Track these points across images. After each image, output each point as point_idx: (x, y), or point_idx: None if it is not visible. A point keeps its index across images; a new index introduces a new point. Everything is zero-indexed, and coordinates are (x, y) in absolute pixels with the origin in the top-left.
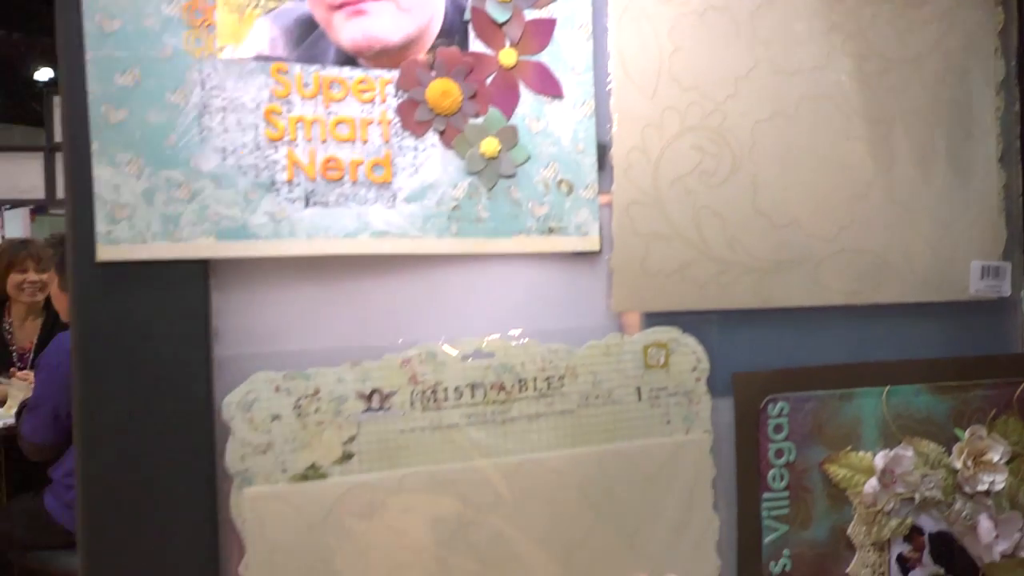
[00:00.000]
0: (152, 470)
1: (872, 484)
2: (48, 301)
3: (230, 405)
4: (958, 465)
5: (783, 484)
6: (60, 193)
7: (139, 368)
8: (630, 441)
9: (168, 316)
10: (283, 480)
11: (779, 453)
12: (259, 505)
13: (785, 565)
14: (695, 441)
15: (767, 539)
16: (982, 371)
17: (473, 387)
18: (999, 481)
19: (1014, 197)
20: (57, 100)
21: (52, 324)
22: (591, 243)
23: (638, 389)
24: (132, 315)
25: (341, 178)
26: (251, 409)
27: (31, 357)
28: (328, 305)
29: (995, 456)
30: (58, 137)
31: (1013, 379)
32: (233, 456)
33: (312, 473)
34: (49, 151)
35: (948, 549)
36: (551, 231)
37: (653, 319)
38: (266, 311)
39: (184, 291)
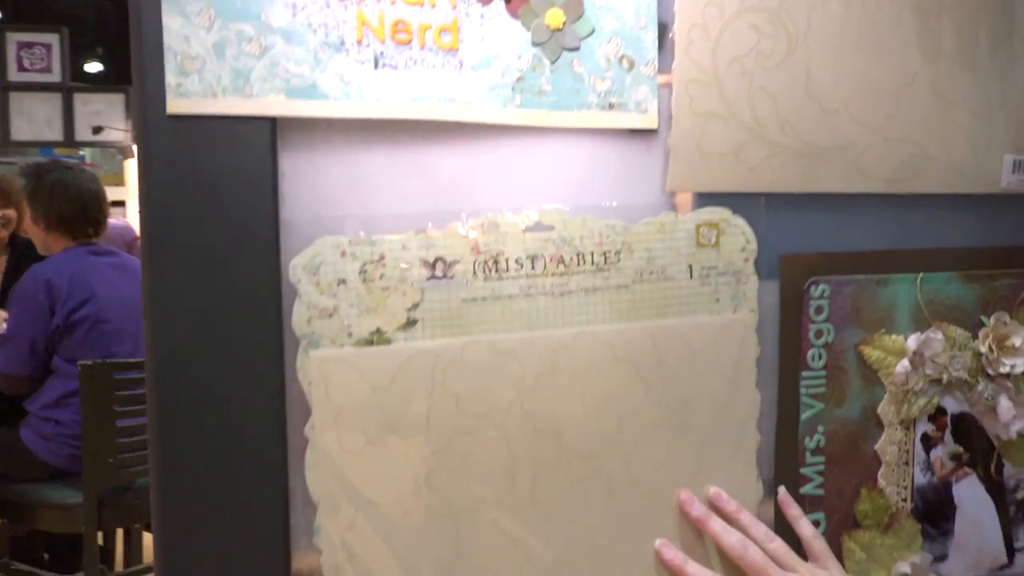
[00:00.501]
0: (220, 331)
1: (903, 365)
2: (13, 237)
3: (296, 268)
4: (983, 349)
5: (821, 364)
6: (14, 135)
7: (207, 226)
8: (681, 318)
9: (236, 175)
10: (348, 344)
11: (819, 334)
12: (325, 368)
13: (819, 441)
14: (742, 320)
15: (804, 416)
16: (1009, 261)
17: (533, 259)
18: (1020, 364)
19: None
20: (11, 37)
21: (18, 259)
22: (650, 120)
23: (690, 267)
24: (200, 172)
25: (409, 42)
26: (317, 273)
27: None
28: (393, 172)
29: (1017, 341)
30: (11, 76)
31: None
32: (299, 319)
33: (377, 338)
34: (2, 91)
35: (968, 429)
36: (611, 107)
37: (704, 199)
38: (331, 175)
39: (252, 150)
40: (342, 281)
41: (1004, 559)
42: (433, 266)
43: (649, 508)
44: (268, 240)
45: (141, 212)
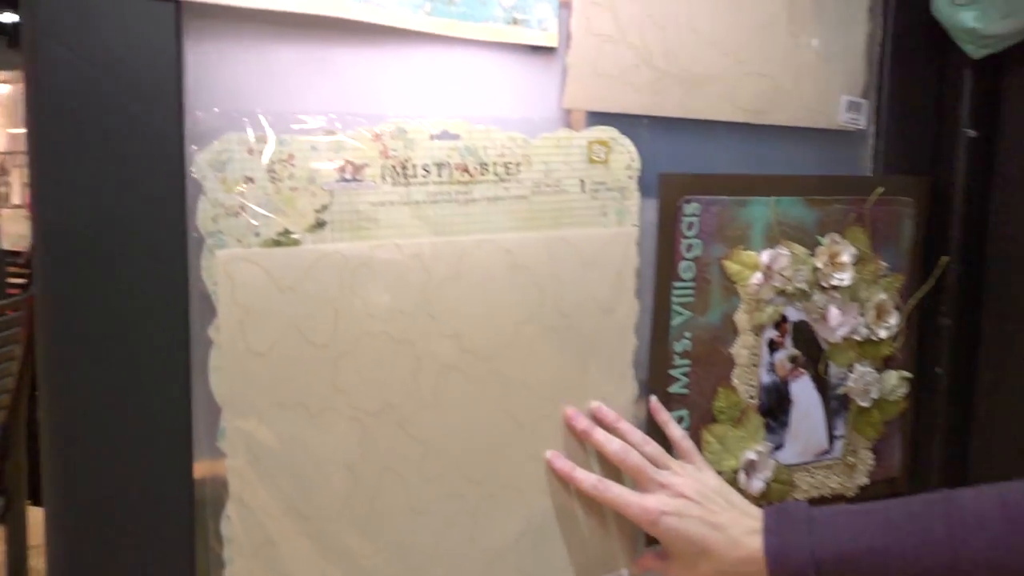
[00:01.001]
0: (118, 228)
1: (757, 278)
2: None
3: (201, 163)
4: (819, 264)
5: (691, 276)
6: None
7: (103, 113)
8: (573, 229)
9: (137, 58)
10: (256, 244)
11: (689, 248)
12: (231, 267)
13: (686, 345)
14: (626, 233)
15: (674, 323)
16: (841, 189)
17: (439, 166)
18: (847, 278)
19: (874, 44)
20: None
21: None
22: (550, 38)
23: (582, 181)
24: (96, 53)
25: None
26: (224, 169)
27: None
28: (303, 70)
29: (846, 258)
30: None
31: (862, 197)
32: (204, 216)
33: (285, 239)
34: None
35: (804, 334)
36: (516, 22)
37: (595, 118)
38: (239, 69)
39: (155, 32)
40: (249, 179)
41: (826, 446)
42: (342, 169)
43: (541, 408)
44: (171, 132)
45: (28, 96)
